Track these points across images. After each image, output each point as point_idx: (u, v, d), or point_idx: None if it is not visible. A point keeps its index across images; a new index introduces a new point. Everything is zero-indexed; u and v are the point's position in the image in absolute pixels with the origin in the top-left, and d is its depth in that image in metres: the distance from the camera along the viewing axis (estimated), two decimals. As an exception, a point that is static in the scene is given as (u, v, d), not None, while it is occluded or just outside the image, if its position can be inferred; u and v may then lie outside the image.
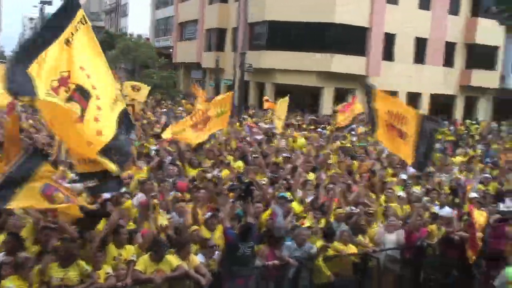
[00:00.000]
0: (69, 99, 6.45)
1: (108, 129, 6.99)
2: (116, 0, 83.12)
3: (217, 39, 45.14)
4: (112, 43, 52.19)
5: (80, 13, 6.76)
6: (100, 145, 6.82)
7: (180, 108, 29.83)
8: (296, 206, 10.22)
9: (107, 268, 7.32)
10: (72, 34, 6.63)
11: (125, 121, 7.34)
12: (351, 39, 35.56)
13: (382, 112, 10.91)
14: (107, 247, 7.65)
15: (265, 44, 37.47)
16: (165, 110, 29.04)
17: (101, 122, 6.91)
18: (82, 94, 6.62)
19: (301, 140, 18.47)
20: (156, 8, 63.76)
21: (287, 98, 19.39)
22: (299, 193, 10.96)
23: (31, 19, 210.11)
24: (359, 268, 9.18)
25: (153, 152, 13.71)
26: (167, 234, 8.48)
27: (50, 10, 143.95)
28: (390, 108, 10.81)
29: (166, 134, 12.44)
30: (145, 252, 7.76)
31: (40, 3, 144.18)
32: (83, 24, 6.82)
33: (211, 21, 45.74)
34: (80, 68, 6.68)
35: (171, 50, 55.88)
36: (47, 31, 6.54)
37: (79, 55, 6.69)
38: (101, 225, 7.97)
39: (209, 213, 8.92)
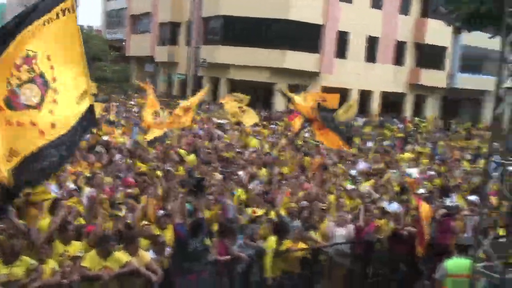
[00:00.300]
0: (31, 81, 6.29)
1: (62, 124, 6.78)
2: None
3: (170, 33, 44.61)
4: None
5: (70, 1, 6.58)
6: (51, 137, 6.61)
7: (132, 102, 29.43)
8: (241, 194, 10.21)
9: (53, 264, 7.13)
10: (56, 16, 6.48)
11: (88, 118, 7.13)
12: (305, 36, 35.83)
13: (305, 111, 11.50)
14: (53, 244, 7.46)
15: (219, 39, 37.27)
16: (118, 104, 28.57)
17: (55, 116, 6.70)
18: (44, 84, 6.44)
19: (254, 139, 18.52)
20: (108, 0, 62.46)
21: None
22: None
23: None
24: (308, 263, 9.19)
25: (101, 149, 13.44)
26: (117, 230, 8.31)
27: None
28: (308, 103, 11.47)
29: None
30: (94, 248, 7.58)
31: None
32: (70, 13, 6.60)
33: (164, 14, 45.12)
34: (47, 57, 6.49)
35: (123, 43, 54.85)
36: (34, 11, 6.39)
37: (51, 42, 6.50)
38: (47, 221, 7.78)
39: (162, 212, 8.78)
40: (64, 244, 7.59)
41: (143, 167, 11.94)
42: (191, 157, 13.97)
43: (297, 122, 17.63)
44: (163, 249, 7.99)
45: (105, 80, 41.13)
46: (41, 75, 6.41)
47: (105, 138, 14.70)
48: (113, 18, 61.70)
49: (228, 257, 8.26)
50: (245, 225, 9.16)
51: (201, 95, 14.99)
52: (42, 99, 6.40)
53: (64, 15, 6.54)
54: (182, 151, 14.35)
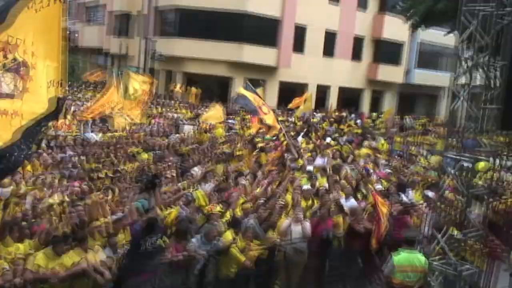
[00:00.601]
0: (7, 69, 6.28)
1: (29, 114, 6.65)
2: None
3: (123, 24, 43.62)
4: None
5: None
6: (16, 125, 6.48)
7: (79, 95, 28.83)
8: (201, 197, 10.03)
9: (3, 264, 6.89)
10: (42, 7, 6.52)
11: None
12: (263, 29, 35.62)
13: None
14: (4, 241, 7.31)
15: (174, 32, 36.68)
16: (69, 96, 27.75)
17: (25, 105, 6.60)
18: (26, 72, 6.46)
19: (220, 130, 18.37)
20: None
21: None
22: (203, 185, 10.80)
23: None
24: (264, 261, 9.04)
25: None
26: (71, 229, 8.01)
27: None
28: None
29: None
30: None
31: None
32: (56, 3, 6.66)
33: (117, 5, 44.06)
34: (31, 43, 6.50)
35: (76, 35, 53.39)
36: None
37: (36, 28, 6.51)
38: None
39: (115, 216, 8.48)
40: (16, 243, 7.42)
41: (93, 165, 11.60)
42: (145, 155, 13.69)
43: (256, 126, 17.62)
44: (117, 247, 7.72)
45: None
46: (24, 63, 6.44)
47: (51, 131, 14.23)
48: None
49: (180, 256, 8.03)
50: (202, 224, 8.97)
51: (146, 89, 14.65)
52: (18, 88, 6.27)
53: (50, 3, 6.58)
54: (135, 149, 14.10)
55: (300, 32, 37.98)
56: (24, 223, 7.89)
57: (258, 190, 10.75)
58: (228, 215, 9.34)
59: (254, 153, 14.73)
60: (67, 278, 7.01)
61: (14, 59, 6.39)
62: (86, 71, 44.08)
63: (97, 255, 7.41)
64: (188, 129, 17.80)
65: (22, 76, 6.52)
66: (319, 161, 15.05)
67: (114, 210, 8.68)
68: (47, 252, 7.15)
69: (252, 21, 35.01)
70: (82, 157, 12.21)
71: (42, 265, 6.97)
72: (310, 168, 13.60)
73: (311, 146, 17.16)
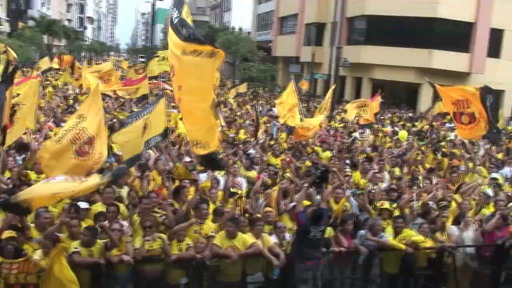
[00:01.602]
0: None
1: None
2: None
3: (316, 34, 45.21)
4: (215, 37, 53.86)
5: (186, 8, 7.63)
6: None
7: (276, 101, 30.38)
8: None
9: (188, 241, 7.91)
10: (207, 54, 7.63)
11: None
12: (454, 34, 34.19)
13: (448, 104, 11.43)
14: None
15: (363, 39, 37.03)
16: (262, 102, 29.74)
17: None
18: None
19: (403, 134, 18.40)
20: (258, 3, 64.85)
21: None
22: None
23: (143, 14, 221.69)
24: (432, 263, 9.04)
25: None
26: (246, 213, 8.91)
27: (161, 5, 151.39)
28: (454, 97, 11.39)
29: None
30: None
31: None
32: (216, 57, 7.64)
33: (310, 16, 45.85)
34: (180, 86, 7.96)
35: (270, 44, 56.68)
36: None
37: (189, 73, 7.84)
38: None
39: (292, 203, 9.18)
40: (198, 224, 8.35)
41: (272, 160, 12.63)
42: (326, 154, 14.38)
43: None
44: (282, 233, 8.40)
45: (251, 79, 42.85)
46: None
47: None
48: (262, 20, 64.02)
49: (343, 248, 8.42)
50: (370, 218, 9.27)
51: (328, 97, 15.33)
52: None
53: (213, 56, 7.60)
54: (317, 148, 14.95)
55: (495, 36, 35.51)
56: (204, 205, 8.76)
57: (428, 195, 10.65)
58: (396, 213, 9.49)
59: (437, 158, 14.64)
60: (243, 257, 7.88)
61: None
62: (283, 79, 46.61)
63: (270, 238, 8.16)
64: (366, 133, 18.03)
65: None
66: (507, 170, 14.27)
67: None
68: (222, 234, 8.02)
69: (442, 26, 33.79)
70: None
71: (219, 245, 7.86)
72: (495, 175, 13.03)
73: (500, 155, 16.15)
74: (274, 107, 25.58)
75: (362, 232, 8.85)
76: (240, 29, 61.03)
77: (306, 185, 9.07)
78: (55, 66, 29.72)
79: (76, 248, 7.23)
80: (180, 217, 8.25)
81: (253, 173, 11.62)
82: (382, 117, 24.40)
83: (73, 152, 8.39)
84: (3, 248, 6.71)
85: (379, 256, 8.65)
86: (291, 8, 51.03)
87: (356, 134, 17.21)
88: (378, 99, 20.25)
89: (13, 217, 7.22)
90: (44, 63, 26.02)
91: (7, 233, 6.80)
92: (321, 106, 19.02)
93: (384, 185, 11.12)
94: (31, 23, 65.10)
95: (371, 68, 36.60)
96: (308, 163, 12.61)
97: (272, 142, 14.81)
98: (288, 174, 11.20)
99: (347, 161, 12.94)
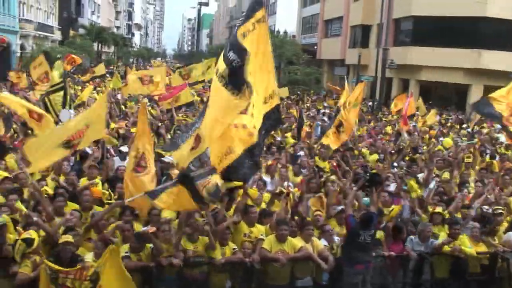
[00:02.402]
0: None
1: (257, 125, 7.81)
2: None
3: (361, 36, 44.86)
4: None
5: (261, 12, 7.64)
6: (255, 138, 7.67)
7: (324, 103, 30.29)
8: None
9: (232, 245, 7.97)
10: (249, 30, 7.59)
11: (273, 117, 8.06)
12: (503, 34, 33.27)
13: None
14: (239, 225, 8.32)
15: (410, 40, 36.49)
16: (308, 105, 29.66)
17: (254, 119, 7.76)
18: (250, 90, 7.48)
19: (448, 140, 18.01)
20: (303, 6, 64.82)
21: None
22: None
23: (189, 19, 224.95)
24: (485, 268, 8.84)
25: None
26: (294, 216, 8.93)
27: (207, 10, 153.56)
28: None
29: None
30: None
31: (198, 4, 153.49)
32: (260, 23, 7.70)
33: (356, 18, 45.53)
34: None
35: (315, 47, 56.55)
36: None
37: (250, 51, 7.52)
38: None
39: (339, 207, 9.17)
40: (248, 226, 8.41)
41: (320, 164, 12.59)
42: (373, 156, 14.26)
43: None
44: (331, 237, 8.39)
45: (296, 82, 42.85)
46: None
47: None
48: (307, 23, 63.95)
49: (393, 253, 8.35)
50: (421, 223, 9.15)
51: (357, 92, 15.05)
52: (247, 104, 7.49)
53: (257, 26, 7.63)
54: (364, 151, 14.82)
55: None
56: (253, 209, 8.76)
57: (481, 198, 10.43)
58: (447, 215, 9.35)
59: (485, 161, 14.24)
60: (290, 262, 7.89)
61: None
62: (327, 82, 46.46)
63: (319, 242, 8.17)
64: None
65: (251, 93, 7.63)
66: None
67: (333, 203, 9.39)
68: (272, 237, 8.05)
69: (492, 25, 32.98)
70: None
71: (267, 248, 7.89)
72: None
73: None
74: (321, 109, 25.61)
75: (412, 237, 8.75)
76: (285, 32, 61.12)
77: (355, 188, 9.04)
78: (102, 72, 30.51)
79: (126, 252, 7.40)
80: (221, 220, 8.27)
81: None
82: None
83: (132, 170, 8.56)
84: (60, 252, 6.93)
85: (430, 261, 8.54)
86: (336, 10, 50.81)
87: (405, 136, 16.99)
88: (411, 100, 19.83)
89: (69, 219, 7.51)
90: (100, 69, 26.86)
91: (64, 238, 7.00)
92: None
93: (430, 186, 10.90)
94: (81, 31, 67.14)
95: (418, 70, 36.01)
96: (355, 166, 12.54)
97: (317, 146, 14.72)
98: (333, 177, 11.16)
99: (395, 164, 12.81)
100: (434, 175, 11.76)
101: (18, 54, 48.72)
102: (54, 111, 14.45)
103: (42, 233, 7.43)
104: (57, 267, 6.63)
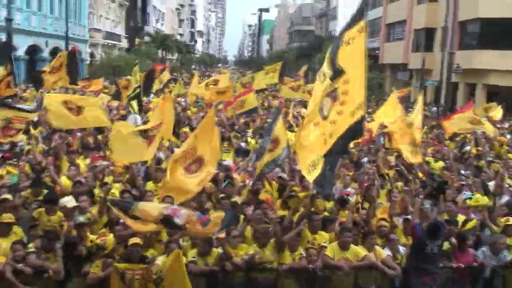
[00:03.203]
0: (327, 95, 7.66)
1: (337, 133, 7.86)
2: (326, 4, 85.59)
3: (425, 39, 43.85)
4: (320, 46, 53.92)
5: (363, 23, 7.78)
6: (323, 150, 7.71)
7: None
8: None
9: (300, 250, 8.03)
10: (353, 38, 7.78)
11: (356, 128, 8.11)
12: None
13: None
14: (302, 232, 8.34)
15: (476, 43, 35.31)
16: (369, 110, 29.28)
17: (335, 126, 7.81)
18: (334, 97, 7.69)
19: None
20: (365, 10, 64.05)
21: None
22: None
23: (249, 25, 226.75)
24: None
25: None
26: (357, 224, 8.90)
27: (267, 17, 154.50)
28: None
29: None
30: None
31: (259, 11, 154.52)
32: (361, 33, 7.87)
33: (419, 21, 44.55)
34: (345, 72, 7.74)
35: (377, 51, 55.75)
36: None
37: (349, 59, 7.75)
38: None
39: (404, 216, 9.04)
40: (312, 233, 8.45)
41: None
42: (438, 164, 13.97)
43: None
44: (395, 246, 8.28)
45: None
46: (334, 89, 7.64)
47: None
48: (368, 28, 63.07)
49: (462, 265, 8.15)
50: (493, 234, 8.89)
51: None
52: (329, 111, 7.55)
53: (357, 36, 7.82)
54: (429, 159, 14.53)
55: None
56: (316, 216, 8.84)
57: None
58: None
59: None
60: (354, 269, 7.85)
61: (334, 88, 7.63)
62: (390, 86, 45.64)
63: (383, 251, 8.09)
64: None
65: (340, 102, 7.71)
66: None
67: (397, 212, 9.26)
68: (334, 245, 8.05)
69: None
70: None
71: (330, 256, 7.89)
72: None
73: None
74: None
75: (484, 249, 8.50)
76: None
77: (421, 197, 8.90)
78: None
79: (194, 257, 7.58)
80: (287, 227, 8.34)
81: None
82: (499, 126, 23.11)
83: (183, 169, 8.82)
84: (129, 254, 7.21)
85: (502, 274, 8.28)
86: (399, 14, 49.92)
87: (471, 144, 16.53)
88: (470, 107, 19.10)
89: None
90: (165, 76, 27.60)
91: (133, 240, 7.29)
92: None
93: (504, 199, 10.57)
94: (147, 38, 69.07)
95: (486, 74, 34.76)
96: (420, 174, 12.30)
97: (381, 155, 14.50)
98: (399, 183, 11.01)
99: (462, 171, 12.49)
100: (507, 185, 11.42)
101: (88, 62, 50.73)
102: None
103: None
104: (125, 265, 6.90)
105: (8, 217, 7.78)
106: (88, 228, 8.07)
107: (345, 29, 7.94)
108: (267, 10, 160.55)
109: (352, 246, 7.98)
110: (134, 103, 16.33)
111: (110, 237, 7.60)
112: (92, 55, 54.18)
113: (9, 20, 27.98)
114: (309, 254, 8.01)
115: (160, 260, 7.21)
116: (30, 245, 7.45)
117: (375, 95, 43.03)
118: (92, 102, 13.15)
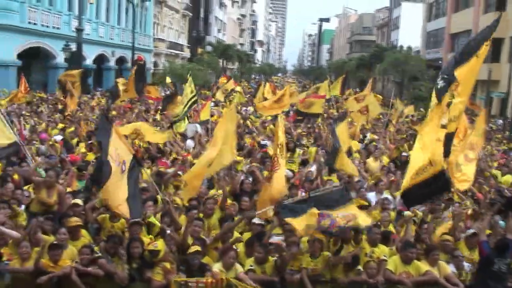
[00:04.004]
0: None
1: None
2: (388, 14, 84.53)
3: (492, 50, 42.44)
4: (382, 56, 53.24)
5: (486, 46, 8.04)
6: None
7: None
8: None
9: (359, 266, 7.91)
10: (482, 54, 7.98)
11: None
12: None
13: None
14: (360, 244, 8.26)
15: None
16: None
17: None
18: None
19: None
20: (428, 20, 62.80)
21: None
22: None
23: (309, 35, 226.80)
24: None
25: None
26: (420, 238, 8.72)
27: (328, 26, 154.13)
28: None
29: None
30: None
31: (319, 20, 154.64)
32: (486, 46, 8.01)
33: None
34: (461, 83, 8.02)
35: (440, 62, 54.48)
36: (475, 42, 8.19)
37: (471, 70, 7.98)
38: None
39: (470, 231, 8.81)
40: (371, 246, 8.34)
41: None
42: (507, 178, 13.55)
43: None
44: (460, 263, 8.07)
45: (421, 99, 41.52)
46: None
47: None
48: (431, 38, 61.82)
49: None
50: None
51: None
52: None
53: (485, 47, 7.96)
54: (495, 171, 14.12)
55: None
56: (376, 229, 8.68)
57: None
58: None
59: None
60: (417, 284, 7.66)
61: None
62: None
63: (447, 267, 7.90)
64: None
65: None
66: None
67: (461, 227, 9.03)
68: (396, 259, 7.88)
69: None
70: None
71: (392, 269, 7.75)
72: None
73: None
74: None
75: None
76: (409, 47, 59.56)
77: (490, 213, 8.64)
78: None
79: (251, 266, 7.61)
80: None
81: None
82: None
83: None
84: (189, 261, 7.36)
85: None
86: (464, 24, 48.60)
87: None
88: None
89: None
90: (229, 85, 28.08)
91: (193, 248, 7.46)
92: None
93: None
94: (208, 48, 70.31)
95: None
96: (486, 188, 11.92)
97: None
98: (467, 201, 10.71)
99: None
100: None
101: (151, 71, 52.21)
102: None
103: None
104: (185, 279, 7.01)
105: (75, 221, 8.09)
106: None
107: (481, 39, 7.92)
108: (327, 20, 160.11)
109: (414, 261, 7.83)
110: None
111: (160, 241, 7.73)
112: (155, 64, 55.71)
113: (79, 30, 29.22)
114: (369, 267, 7.87)
115: (216, 267, 7.29)
116: (96, 248, 7.70)
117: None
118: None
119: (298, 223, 7.36)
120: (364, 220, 7.65)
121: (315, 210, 7.41)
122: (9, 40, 30.38)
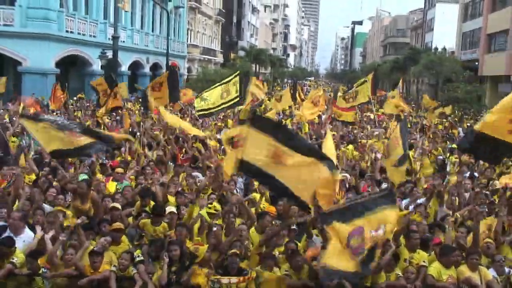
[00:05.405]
0: None
1: None
2: (422, 16, 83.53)
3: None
4: (416, 58, 52.58)
5: None
6: None
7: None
8: None
9: (397, 271, 7.77)
10: None
11: None
12: None
13: None
14: (399, 249, 8.10)
15: None
16: (468, 125, 28.16)
17: None
18: None
19: None
20: (463, 21, 61.72)
21: None
22: None
23: (342, 38, 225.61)
24: None
25: None
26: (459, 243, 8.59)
27: (361, 29, 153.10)
28: None
29: None
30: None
31: (352, 24, 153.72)
32: None
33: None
34: None
35: (476, 63, 53.47)
36: None
37: None
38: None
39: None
40: (410, 251, 8.20)
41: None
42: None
43: None
44: (501, 268, 7.91)
45: (456, 100, 40.90)
46: None
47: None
48: (467, 39, 60.74)
49: None
50: None
51: None
52: None
53: None
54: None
55: None
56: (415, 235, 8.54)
57: None
58: None
59: None
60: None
61: None
62: (490, 100, 43.66)
63: (488, 272, 7.70)
64: None
65: None
66: None
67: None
68: (437, 264, 7.76)
69: None
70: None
71: (434, 275, 7.62)
72: None
73: None
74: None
75: None
76: (443, 49, 58.67)
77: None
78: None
79: (287, 270, 7.61)
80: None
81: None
82: None
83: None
84: (228, 264, 7.43)
85: None
86: (502, 23, 47.57)
87: None
88: None
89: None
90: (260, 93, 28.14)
91: (232, 251, 7.53)
92: None
93: None
94: (241, 53, 70.71)
95: None
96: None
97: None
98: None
99: None
100: None
101: (185, 77, 52.81)
102: None
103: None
104: (218, 276, 7.19)
105: (117, 225, 8.26)
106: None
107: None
108: (360, 23, 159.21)
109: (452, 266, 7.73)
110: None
111: (204, 247, 7.79)
112: (189, 70, 56.34)
113: (115, 38, 29.78)
114: (409, 271, 7.73)
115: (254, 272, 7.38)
116: (137, 252, 7.82)
117: (475, 108, 41.31)
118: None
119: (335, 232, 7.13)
120: (389, 232, 7.40)
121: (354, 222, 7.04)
122: (48, 48, 31.21)
